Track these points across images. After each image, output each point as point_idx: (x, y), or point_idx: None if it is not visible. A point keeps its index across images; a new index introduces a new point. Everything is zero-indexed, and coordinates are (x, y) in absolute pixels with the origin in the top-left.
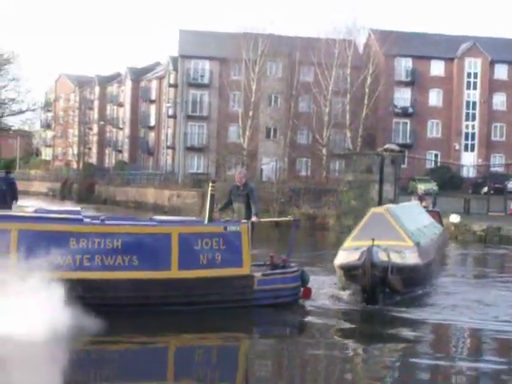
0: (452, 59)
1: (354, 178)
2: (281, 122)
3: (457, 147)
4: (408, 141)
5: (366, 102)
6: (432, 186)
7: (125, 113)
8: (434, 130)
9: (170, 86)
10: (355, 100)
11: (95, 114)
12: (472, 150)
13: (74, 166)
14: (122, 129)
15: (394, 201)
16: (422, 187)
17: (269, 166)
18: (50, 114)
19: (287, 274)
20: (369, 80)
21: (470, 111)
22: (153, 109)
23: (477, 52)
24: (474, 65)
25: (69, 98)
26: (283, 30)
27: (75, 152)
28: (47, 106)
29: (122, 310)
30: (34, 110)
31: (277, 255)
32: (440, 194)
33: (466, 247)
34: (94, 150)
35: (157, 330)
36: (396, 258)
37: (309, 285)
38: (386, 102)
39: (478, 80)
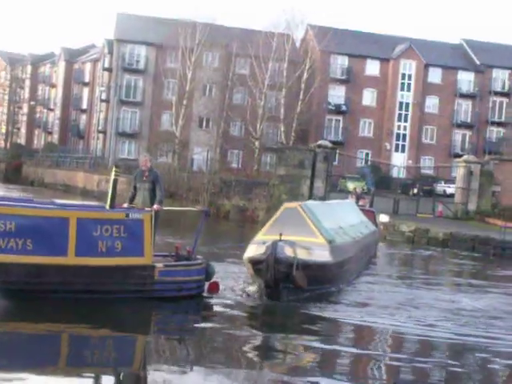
0: (387, 60)
1: (285, 173)
2: (214, 113)
3: (388, 147)
4: (340, 138)
5: (301, 97)
6: (362, 185)
7: (57, 94)
8: (366, 129)
9: (105, 69)
10: (290, 95)
11: (26, 94)
12: (402, 150)
13: (2, 145)
14: (52, 110)
15: (324, 197)
16: (353, 186)
17: (200, 156)
18: None
19: (191, 266)
20: (305, 75)
21: (403, 112)
22: (86, 92)
23: (412, 54)
24: (408, 67)
25: None
26: (222, 20)
27: (3, 131)
28: None
29: (14, 296)
30: None
31: (181, 246)
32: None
33: (394, 247)
34: (23, 130)
35: (50, 318)
36: (303, 255)
37: (218, 278)
38: (320, 99)
39: (412, 82)
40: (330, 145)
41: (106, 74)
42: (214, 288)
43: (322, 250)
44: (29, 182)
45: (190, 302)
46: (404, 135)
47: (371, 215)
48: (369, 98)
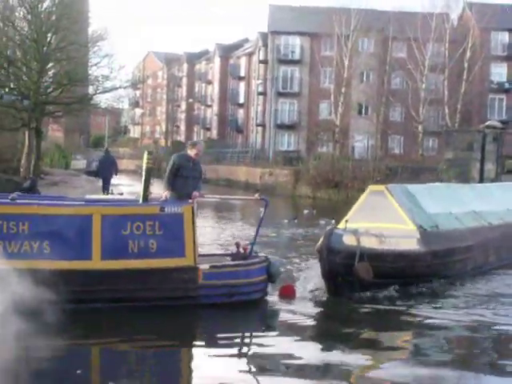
0: None
1: (454, 156)
2: (373, 99)
3: None
4: (504, 117)
5: (464, 77)
6: None
7: (213, 90)
8: None
9: (260, 62)
10: (452, 75)
11: (183, 92)
12: None
13: (163, 143)
14: (210, 106)
15: (496, 180)
16: None
17: (361, 144)
18: (138, 92)
19: (245, 266)
20: (468, 54)
21: None
22: (242, 86)
23: None
24: None
25: (157, 75)
26: (376, 4)
27: (163, 130)
28: (137, 83)
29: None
30: (126, 88)
31: (242, 242)
32: None
33: None
34: (182, 127)
35: (75, 333)
36: (371, 243)
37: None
38: (482, 78)
39: None
40: (499, 125)
41: (262, 66)
42: (289, 292)
43: (407, 237)
44: None
45: (247, 307)
46: None
47: None
48: None
